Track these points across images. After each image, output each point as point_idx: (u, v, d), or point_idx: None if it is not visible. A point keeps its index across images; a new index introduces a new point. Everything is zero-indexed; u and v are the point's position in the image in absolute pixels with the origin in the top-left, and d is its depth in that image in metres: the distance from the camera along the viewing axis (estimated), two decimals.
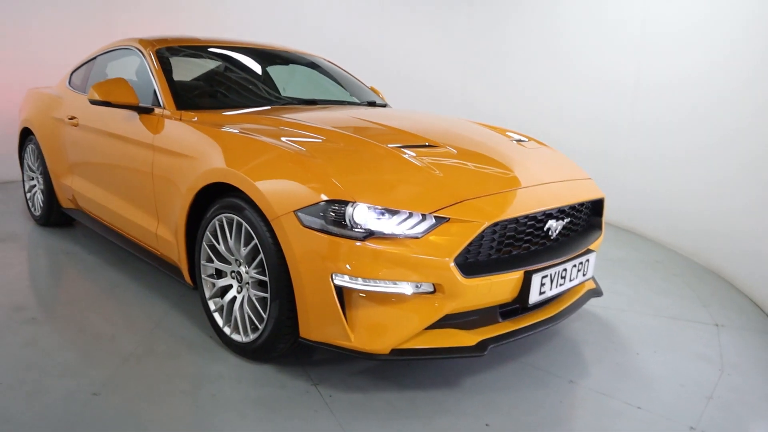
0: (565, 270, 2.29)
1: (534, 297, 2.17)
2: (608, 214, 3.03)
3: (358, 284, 1.96)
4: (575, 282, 2.40)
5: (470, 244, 1.99)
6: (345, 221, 1.95)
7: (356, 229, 1.95)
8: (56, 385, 2.10)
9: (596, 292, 2.76)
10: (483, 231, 2.00)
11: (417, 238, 1.96)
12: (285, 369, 2.28)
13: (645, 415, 2.11)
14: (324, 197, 1.99)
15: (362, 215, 1.96)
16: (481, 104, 6.58)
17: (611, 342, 2.69)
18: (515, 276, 2.10)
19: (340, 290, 1.98)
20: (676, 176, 4.39)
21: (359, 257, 1.94)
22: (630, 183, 4.82)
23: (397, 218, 1.97)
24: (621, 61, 4.86)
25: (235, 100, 3.21)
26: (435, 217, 1.98)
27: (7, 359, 2.29)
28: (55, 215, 3.99)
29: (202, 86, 3.27)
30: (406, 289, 1.97)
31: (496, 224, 2.06)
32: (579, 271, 2.39)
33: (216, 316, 2.45)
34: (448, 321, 2.07)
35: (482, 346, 2.08)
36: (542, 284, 2.18)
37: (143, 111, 2.90)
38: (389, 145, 2.36)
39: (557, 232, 2.32)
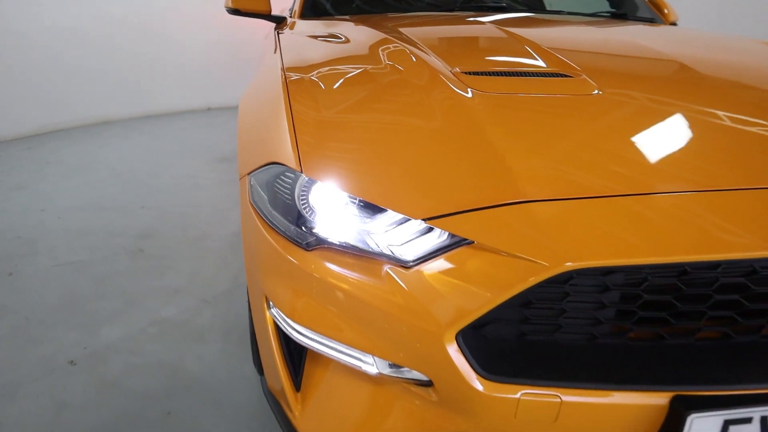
0: None
1: None
2: None
3: (291, 328, 1.05)
4: None
5: (510, 305, 0.85)
6: (295, 205, 1.05)
7: (302, 225, 1.02)
8: None
9: None
10: (547, 281, 0.83)
11: (406, 267, 0.93)
12: None
13: None
14: (274, 158, 1.10)
15: (320, 200, 1.02)
16: None
17: None
18: (645, 400, 0.86)
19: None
20: None
21: (292, 280, 1.03)
22: None
23: (378, 220, 0.97)
24: None
25: (360, 6, 2.37)
26: (448, 234, 0.90)
27: None
28: None
29: None
30: (370, 365, 0.98)
31: (592, 273, 0.85)
32: None
33: None
34: None
35: None
36: None
37: (277, 21, 2.35)
38: (457, 70, 1.26)
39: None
